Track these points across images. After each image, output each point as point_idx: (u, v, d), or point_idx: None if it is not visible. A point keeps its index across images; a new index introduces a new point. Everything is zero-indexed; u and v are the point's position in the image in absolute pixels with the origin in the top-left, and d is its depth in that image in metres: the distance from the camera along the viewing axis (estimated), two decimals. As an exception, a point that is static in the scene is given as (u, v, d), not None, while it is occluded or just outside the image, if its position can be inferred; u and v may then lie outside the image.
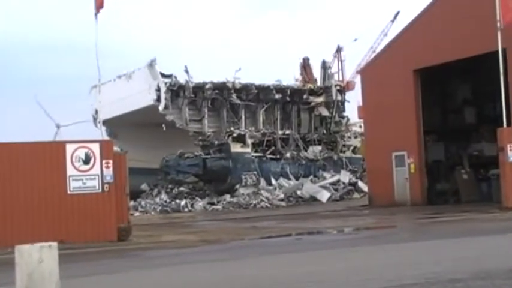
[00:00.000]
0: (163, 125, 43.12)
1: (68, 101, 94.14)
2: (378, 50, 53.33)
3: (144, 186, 42.82)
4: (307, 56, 54.26)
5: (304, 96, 47.73)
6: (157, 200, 39.44)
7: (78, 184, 17.99)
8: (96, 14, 21.41)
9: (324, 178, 43.05)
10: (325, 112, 48.80)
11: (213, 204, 38.45)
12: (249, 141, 42.98)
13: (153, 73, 42.66)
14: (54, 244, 8.00)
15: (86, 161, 18.04)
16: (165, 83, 42.17)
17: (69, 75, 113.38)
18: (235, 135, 42.78)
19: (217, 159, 41.30)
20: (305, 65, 53.37)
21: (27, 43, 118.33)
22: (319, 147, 46.69)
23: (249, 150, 42.64)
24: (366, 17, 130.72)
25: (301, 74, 53.79)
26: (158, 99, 42.18)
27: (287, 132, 46.24)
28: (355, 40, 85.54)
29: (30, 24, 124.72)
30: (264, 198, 38.86)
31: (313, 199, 39.25)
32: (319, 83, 50.70)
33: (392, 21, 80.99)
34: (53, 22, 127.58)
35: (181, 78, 43.12)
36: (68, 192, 17.91)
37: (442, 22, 28.92)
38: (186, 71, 43.74)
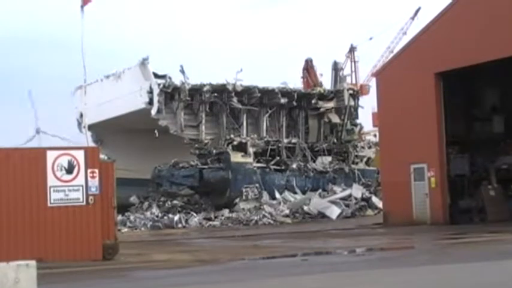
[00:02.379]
0: (155, 131, 43.14)
1: (51, 102, 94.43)
2: (395, 50, 53.37)
3: (133, 199, 42.81)
4: (315, 56, 54.31)
5: (313, 101, 47.75)
6: (148, 214, 39.43)
7: (60, 196, 17.99)
8: (82, 7, 21.52)
9: (334, 192, 43.03)
10: (336, 119, 48.81)
11: (209, 219, 38.44)
12: (251, 150, 42.98)
13: (145, 73, 42.73)
14: (32, 263, 8.01)
15: (69, 170, 18.06)
16: (158, 84, 42.23)
17: (53, 73, 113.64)
18: (235, 143, 42.79)
19: (215, 169, 41.30)
20: (308, 67, 53.08)
21: (10, 38, 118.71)
22: (329, 158, 46.67)
23: (250, 160, 42.64)
24: (383, 13, 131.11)
25: (303, 77, 53.37)
26: (150, 102, 42.23)
27: (293, 140, 46.24)
28: (371, 39, 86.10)
29: (12, 18, 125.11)
30: (266, 214, 38.85)
31: (322, 216, 39.22)
32: (330, 86, 50.74)
33: (412, 18, 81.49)
34: (37, 16, 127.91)
35: (177, 79, 43.20)
36: (48, 204, 17.91)
37: (468, 20, 28.94)
38: (182, 71, 43.81)
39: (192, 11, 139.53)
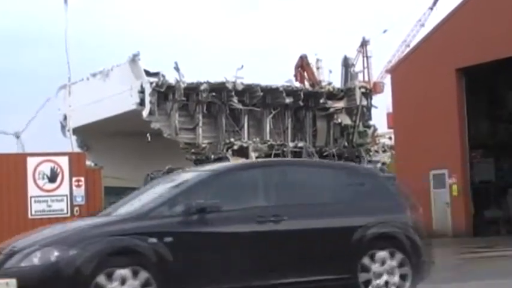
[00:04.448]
0: (147, 135, 43.11)
1: (31, 103, 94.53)
2: (412, 44, 53.40)
3: (123, 210, 42.79)
4: (323, 51, 54.32)
5: (321, 101, 47.72)
6: (139, 226, 39.40)
7: (42, 206, 17.99)
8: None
9: (345, 201, 42.97)
10: (346, 120, 48.79)
11: (207, 232, 38.41)
12: (253, 155, 42.97)
13: (135, 71, 42.70)
14: (13, 281, 7.99)
15: (52, 178, 18.06)
16: (151, 83, 42.17)
17: (35, 71, 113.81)
18: (235, 147, 42.78)
19: (213, 177, 41.25)
20: (304, 64, 52.72)
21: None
22: (340, 164, 46.65)
23: (252, 166, 42.60)
24: (398, 3, 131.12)
25: (295, 75, 52.95)
26: (141, 103, 42.16)
27: (300, 144, 46.20)
28: (385, 32, 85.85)
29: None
30: (271, 226, 38.80)
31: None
32: (340, 84, 50.71)
33: (431, 8, 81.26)
34: (16, 7, 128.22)
35: (171, 78, 43.17)
36: (29, 216, 17.91)
37: (493, 10, 28.91)
38: (177, 69, 43.78)
39: (187, 4, 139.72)
